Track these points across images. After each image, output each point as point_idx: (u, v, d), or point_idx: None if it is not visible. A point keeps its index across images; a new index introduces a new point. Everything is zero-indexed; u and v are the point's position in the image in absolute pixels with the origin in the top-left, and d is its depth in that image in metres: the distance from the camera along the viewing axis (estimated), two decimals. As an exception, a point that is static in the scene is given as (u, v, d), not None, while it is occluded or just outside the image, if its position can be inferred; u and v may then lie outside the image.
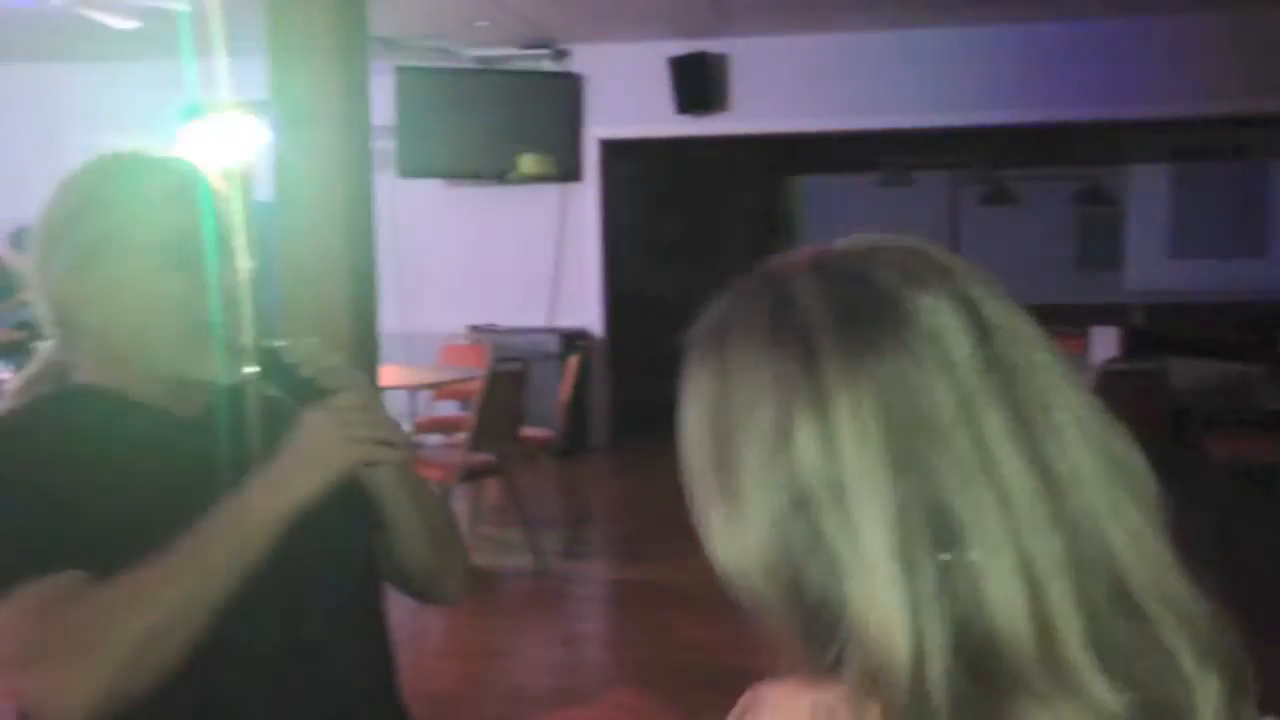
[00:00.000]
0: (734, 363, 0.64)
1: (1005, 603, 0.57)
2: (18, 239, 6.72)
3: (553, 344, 7.35)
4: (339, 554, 1.26)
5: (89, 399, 1.21)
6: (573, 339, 7.33)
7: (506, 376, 4.90)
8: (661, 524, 5.85)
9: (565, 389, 5.76)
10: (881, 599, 0.57)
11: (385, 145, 7.16)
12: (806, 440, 0.60)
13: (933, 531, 0.58)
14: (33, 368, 1.27)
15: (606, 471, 7.51)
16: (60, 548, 1.08)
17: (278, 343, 1.18)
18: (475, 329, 7.50)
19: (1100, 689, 0.57)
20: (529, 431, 5.33)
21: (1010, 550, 0.57)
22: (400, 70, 7.34)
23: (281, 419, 1.18)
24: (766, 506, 0.61)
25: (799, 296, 0.63)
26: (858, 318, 0.61)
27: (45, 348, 1.28)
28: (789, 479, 0.60)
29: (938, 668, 0.56)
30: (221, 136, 6.58)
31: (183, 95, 7.20)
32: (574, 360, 5.80)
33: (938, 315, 0.61)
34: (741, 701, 0.63)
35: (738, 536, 0.63)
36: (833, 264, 0.65)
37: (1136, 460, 0.63)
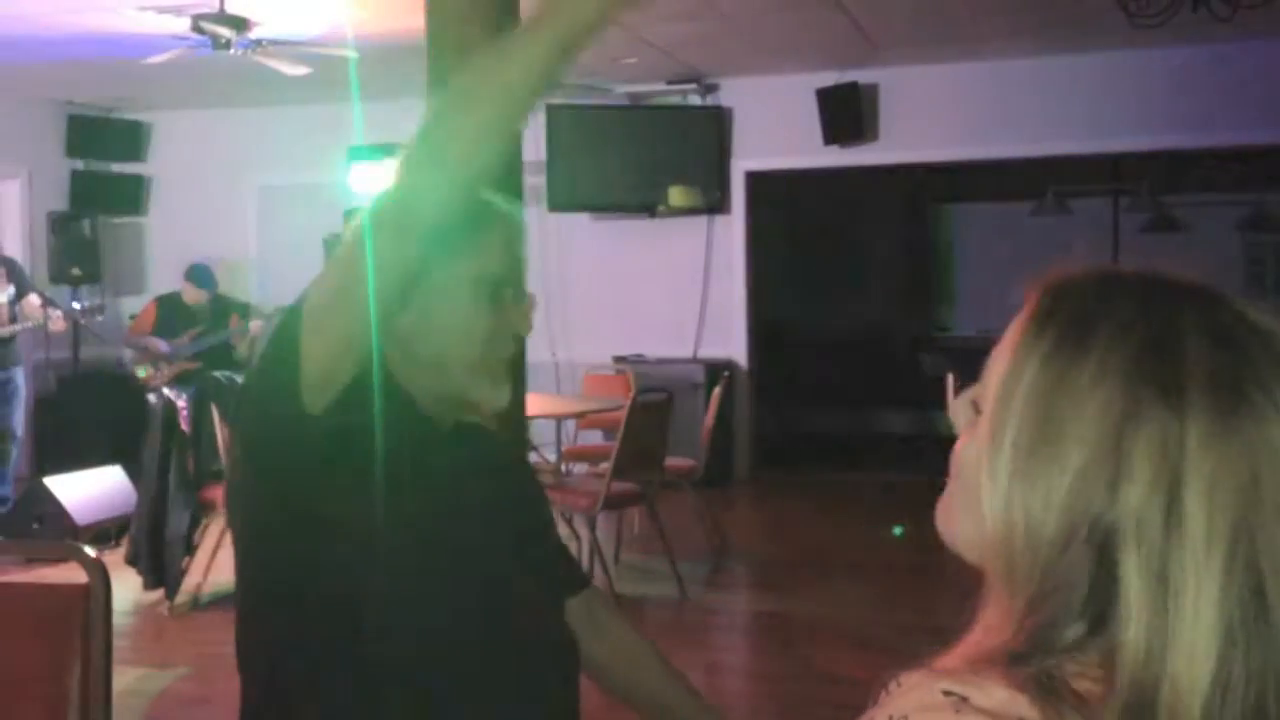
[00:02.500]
0: (1092, 358, 0.65)
1: None
2: (193, 274, 7.15)
3: (697, 375, 7.40)
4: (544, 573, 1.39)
5: (394, 393, 1.29)
6: (717, 370, 7.36)
7: (650, 406, 4.97)
8: (804, 556, 5.81)
9: (709, 419, 5.79)
10: (1195, 653, 0.60)
11: (535, 180, 7.37)
12: (1147, 482, 0.62)
13: (1248, 617, 0.61)
14: None
15: (749, 502, 7.49)
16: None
17: None
18: (621, 359, 7.62)
19: None
20: (672, 461, 5.38)
21: None
22: (550, 108, 7.55)
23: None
24: (1059, 502, 0.64)
25: (1186, 331, 0.65)
26: (1241, 400, 0.63)
27: None
28: (1103, 503, 0.63)
29: None
30: (384, 174, 6.89)
31: (348, 136, 7.58)
32: (718, 391, 5.83)
33: None
34: (886, 688, 0.67)
35: (1019, 503, 0.65)
36: (1227, 321, 0.66)
37: None
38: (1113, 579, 0.62)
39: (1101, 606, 0.63)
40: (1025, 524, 0.65)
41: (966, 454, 0.71)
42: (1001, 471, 0.66)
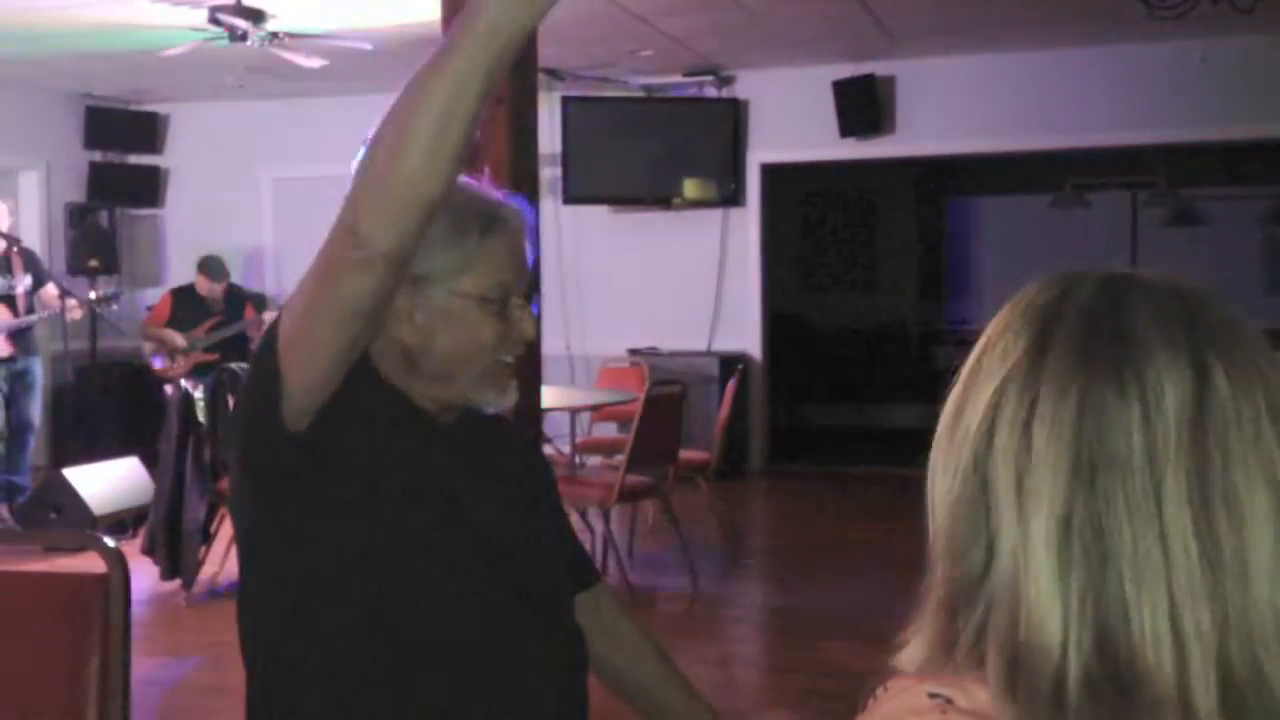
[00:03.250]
0: (995, 330, 0.70)
1: (1154, 639, 0.61)
2: (205, 266, 7.19)
3: (712, 367, 7.40)
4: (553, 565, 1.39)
5: (383, 394, 1.30)
6: (732, 363, 7.36)
7: (665, 399, 4.97)
8: (817, 549, 5.81)
9: (723, 412, 5.79)
10: (1039, 584, 0.62)
11: (552, 172, 7.37)
12: (1008, 421, 0.66)
13: (1087, 544, 0.62)
14: None
15: (763, 495, 7.49)
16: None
17: None
18: (636, 352, 7.62)
19: None
20: (686, 454, 5.38)
21: (1164, 594, 0.61)
22: (566, 100, 7.55)
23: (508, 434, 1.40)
24: (961, 466, 0.67)
25: (1070, 298, 0.68)
26: (1093, 338, 0.65)
27: None
28: (985, 449, 0.66)
29: (1078, 666, 0.61)
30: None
31: (365, 127, 7.58)
32: (732, 384, 5.83)
33: (1161, 373, 0.63)
34: (873, 694, 0.68)
35: (940, 483, 0.69)
36: (1114, 285, 0.68)
37: None
38: (994, 523, 0.65)
39: (994, 554, 0.65)
40: (942, 496, 0.69)
41: None
42: (936, 458, 0.70)
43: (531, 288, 1.33)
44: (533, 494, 1.41)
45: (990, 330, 0.71)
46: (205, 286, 7.09)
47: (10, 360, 6.10)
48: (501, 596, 1.27)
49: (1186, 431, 0.62)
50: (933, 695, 0.64)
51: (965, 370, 0.71)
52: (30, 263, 6.32)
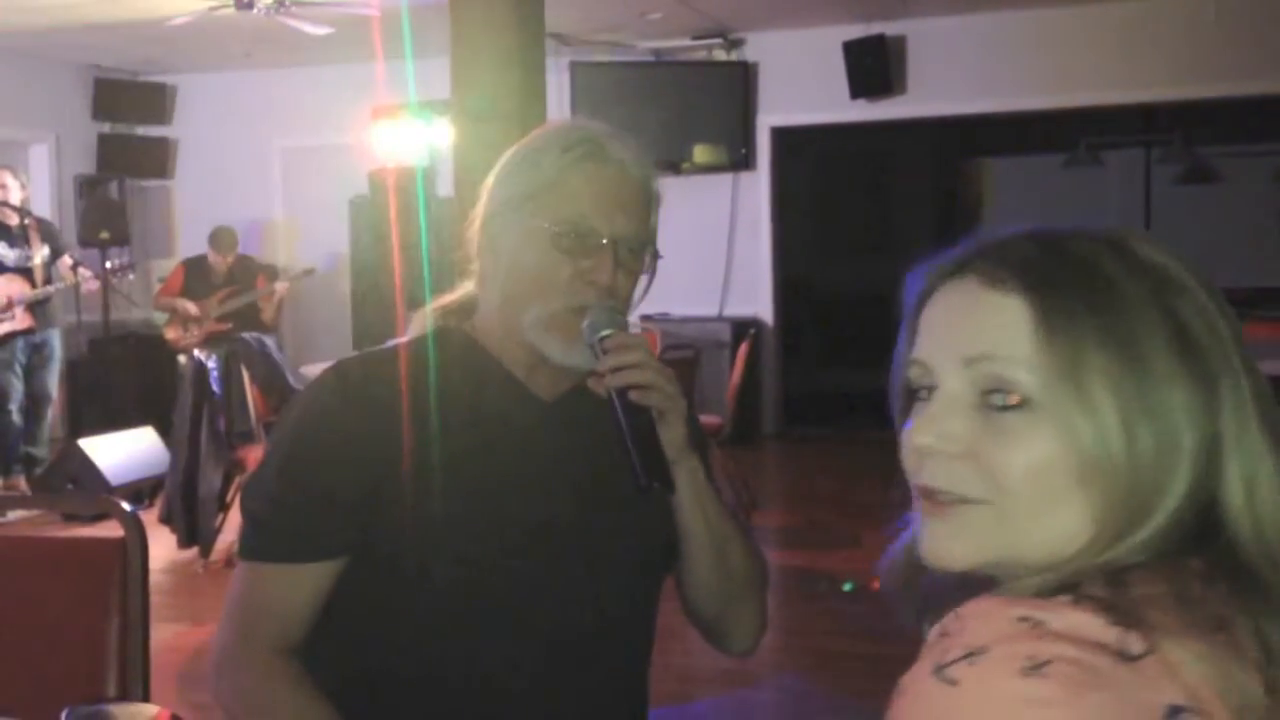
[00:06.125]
0: (1131, 302, 0.69)
1: None
2: (213, 239, 7.21)
3: (724, 332, 7.39)
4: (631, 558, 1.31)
5: (462, 353, 1.26)
6: (744, 327, 7.34)
7: (677, 364, 4.97)
8: (833, 513, 5.82)
9: (735, 377, 5.78)
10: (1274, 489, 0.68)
11: (561, 139, 7.33)
12: (1229, 390, 0.69)
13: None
14: (454, 296, 1.31)
15: (777, 459, 7.50)
16: (326, 529, 1.19)
17: (605, 332, 1.20)
18: (647, 318, 7.61)
19: None
20: (699, 419, 5.38)
21: None
22: (575, 65, 7.50)
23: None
24: (1189, 432, 0.68)
25: (1139, 251, 0.72)
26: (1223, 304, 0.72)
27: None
28: (1213, 405, 0.69)
29: None
30: (407, 134, 6.88)
31: (372, 96, 7.56)
32: (744, 349, 5.82)
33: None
34: (942, 623, 0.64)
35: (1133, 440, 0.68)
36: (1181, 257, 0.73)
37: None
38: (1216, 462, 0.68)
39: (1206, 497, 0.68)
40: (1155, 449, 0.68)
41: (1014, 462, 0.70)
42: (1098, 415, 0.68)
43: (643, 250, 1.24)
44: (620, 493, 1.22)
45: (1091, 303, 0.69)
46: (215, 258, 7.14)
47: (29, 332, 6.11)
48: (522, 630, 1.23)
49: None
50: (1022, 619, 0.60)
51: (1100, 340, 0.68)
52: (48, 233, 6.32)
